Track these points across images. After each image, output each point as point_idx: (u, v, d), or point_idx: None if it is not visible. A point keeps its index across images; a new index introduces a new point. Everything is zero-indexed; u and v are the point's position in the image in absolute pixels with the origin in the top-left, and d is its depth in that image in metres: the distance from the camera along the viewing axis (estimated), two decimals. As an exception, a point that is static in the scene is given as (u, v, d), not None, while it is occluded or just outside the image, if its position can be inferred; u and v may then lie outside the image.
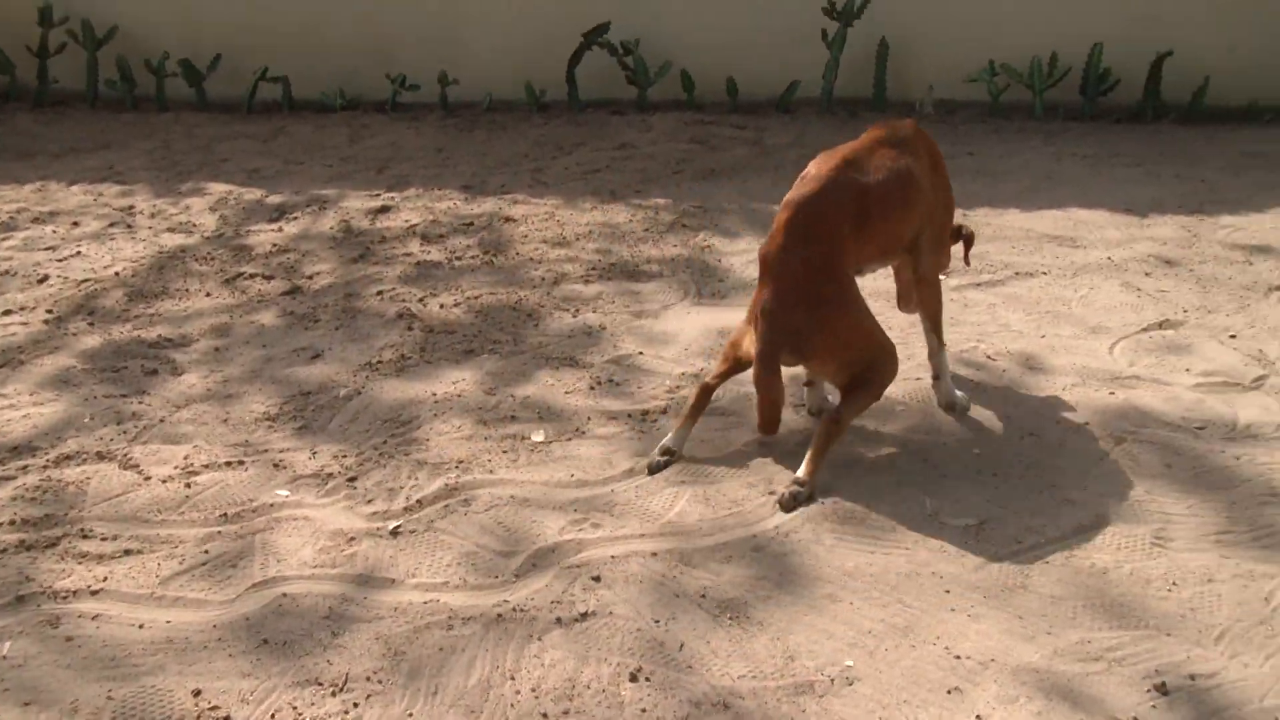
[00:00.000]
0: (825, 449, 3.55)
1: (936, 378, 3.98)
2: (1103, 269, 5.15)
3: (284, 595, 3.10)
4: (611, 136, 7.53)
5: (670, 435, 3.75)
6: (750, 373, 3.62)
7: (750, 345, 3.63)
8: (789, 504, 3.45)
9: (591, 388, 4.20)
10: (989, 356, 4.34)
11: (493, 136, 7.70)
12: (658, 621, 2.94)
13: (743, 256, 5.40)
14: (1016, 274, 5.12)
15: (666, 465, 3.68)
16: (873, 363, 3.63)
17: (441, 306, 4.97)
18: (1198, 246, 5.40)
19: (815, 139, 7.27)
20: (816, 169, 3.73)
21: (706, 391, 3.79)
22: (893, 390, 3.89)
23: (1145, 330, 4.53)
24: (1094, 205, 5.99)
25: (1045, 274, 5.12)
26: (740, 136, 7.40)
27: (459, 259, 5.55)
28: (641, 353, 4.47)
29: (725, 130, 7.55)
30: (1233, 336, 4.47)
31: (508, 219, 6.06)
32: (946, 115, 7.90)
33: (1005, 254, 5.36)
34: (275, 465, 3.75)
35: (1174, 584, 3.03)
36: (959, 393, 3.97)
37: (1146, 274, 5.08)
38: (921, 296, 3.95)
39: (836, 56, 8.00)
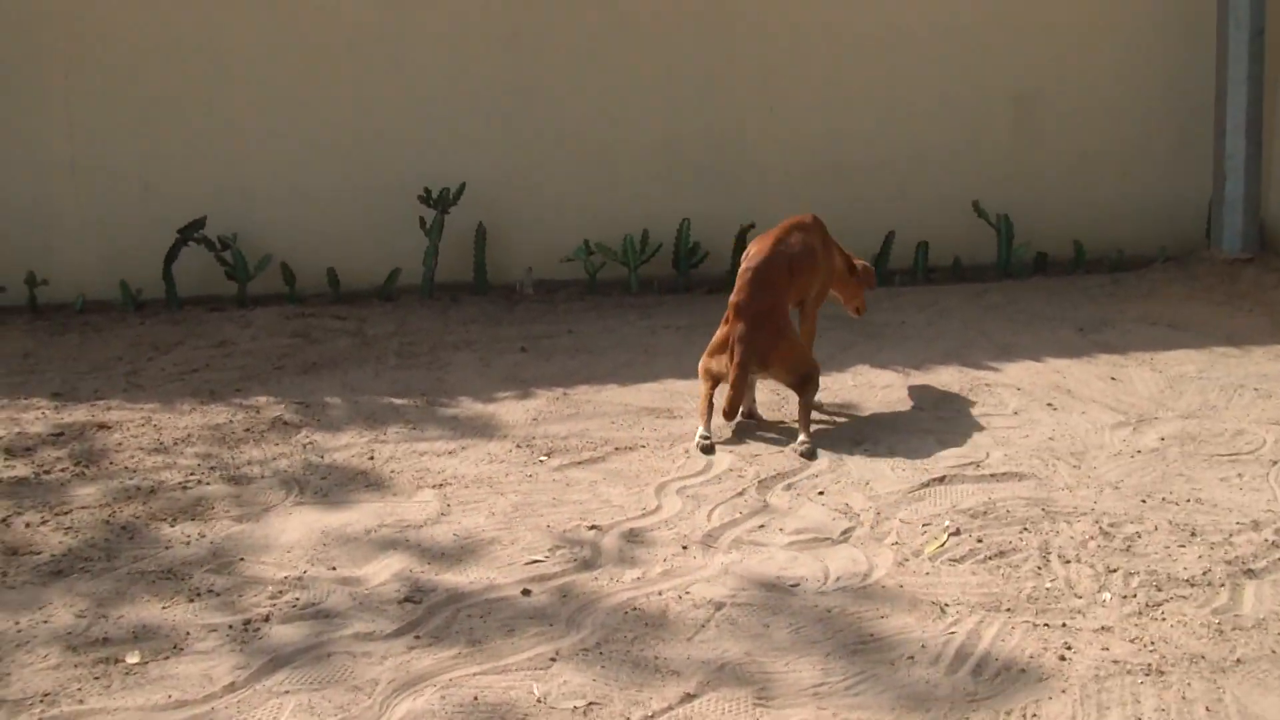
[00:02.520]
0: (809, 420, 5.31)
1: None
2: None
3: None
4: (211, 334, 7.34)
5: (701, 428, 5.32)
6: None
7: (719, 365, 5.41)
8: (810, 454, 5.15)
9: (190, 600, 4.02)
10: (592, 529, 4.41)
11: (86, 339, 7.37)
12: None
13: (346, 451, 5.33)
14: (617, 449, 5.25)
15: (712, 446, 5.24)
16: (808, 369, 5.43)
17: (28, 526, 4.67)
18: (787, 408, 5.70)
19: (417, 326, 7.32)
20: (758, 248, 5.61)
21: (709, 397, 5.41)
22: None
23: (741, 494, 4.72)
24: (690, 375, 6.20)
25: (644, 447, 5.27)
26: (342, 328, 7.37)
27: (48, 473, 5.24)
28: (243, 559, 4.32)
29: (327, 322, 7.49)
30: (821, 493, 4.71)
31: (102, 426, 5.78)
32: (547, 295, 8.11)
33: (605, 430, 5.50)
34: None
35: (776, 745, 3.12)
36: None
37: (739, 439, 5.31)
38: (804, 330, 5.82)
39: (435, 243, 8.11)
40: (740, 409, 5.38)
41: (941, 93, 8.84)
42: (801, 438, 5.24)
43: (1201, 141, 9.06)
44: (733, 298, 5.47)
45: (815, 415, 5.44)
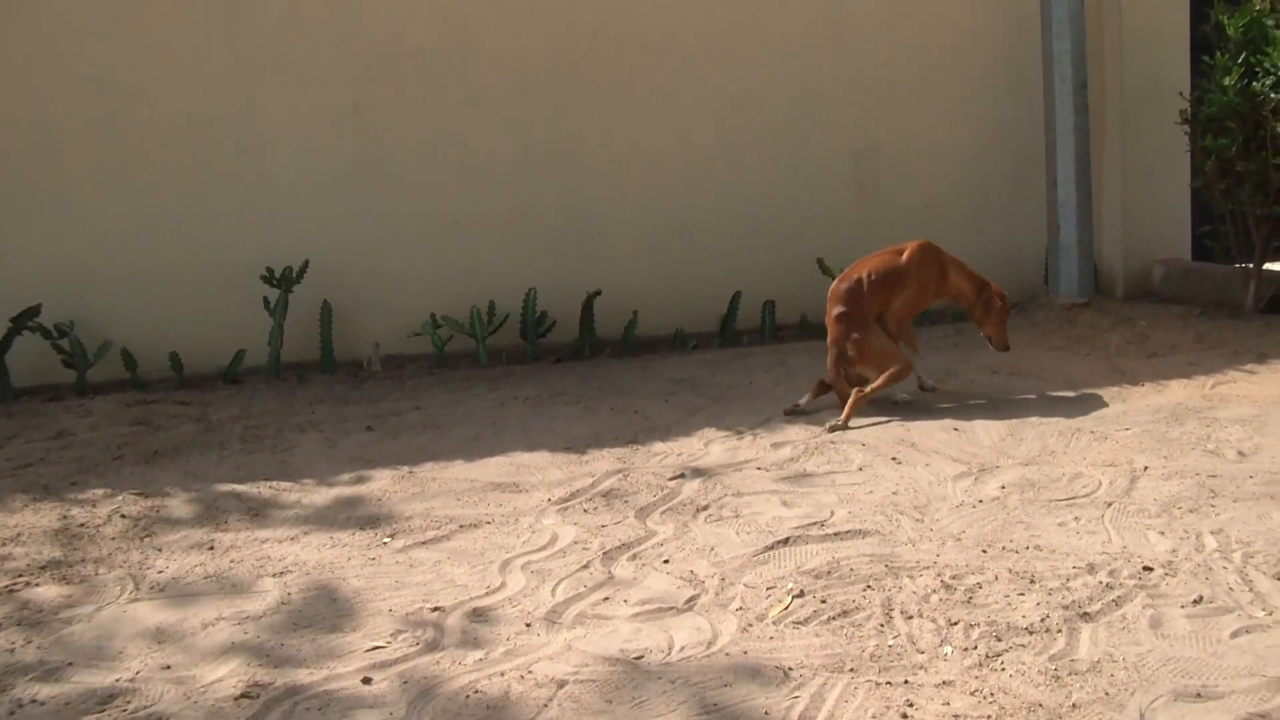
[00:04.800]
0: (854, 409, 6.43)
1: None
2: (544, 511, 5.31)
3: None
4: (47, 425, 7.13)
5: (805, 399, 6.74)
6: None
7: (829, 373, 6.69)
8: (834, 429, 6.32)
9: (11, 713, 3.86)
10: (436, 610, 4.34)
11: (-85, 439, 7.13)
12: None
13: (185, 542, 5.19)
14: (461, 527, 5.18)
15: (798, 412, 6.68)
16: (886, 367, 6.53)
17: None
18: (632, 477, 5.69)
19: (263, 408, 7.20)
20: (844, 273, 6.86)
21: (821, 386, 6.75)
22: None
23: (585, 567, 4.68)
24: (536, 448, 6.20)
25: (489, 523, 5.21)
26: (185, 413, 7.21)
27: None
28: (71, 664, 4.16)
29: (169, 408, 7.33)
30: (666, 562, 4.69)
31: (-74, 532, 5.57)
32: (395, 371, 8.04)
33: (450, 508, 5.43)
34: None
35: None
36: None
37: (585, 511, 5.28)
38: (893, 331, 6.84)
39: (280, 322, 8.00)
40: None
41: (783, 152, 9.01)
42: (841, 417, 6.43)
43: (1036, 191, 9.34)
44: (826, 316, 6.81)
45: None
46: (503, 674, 3.87)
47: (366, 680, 3.88)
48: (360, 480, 5.90)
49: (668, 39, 8.80)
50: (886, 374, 6.54)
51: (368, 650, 4.09)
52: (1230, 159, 8.62)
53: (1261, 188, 8.59)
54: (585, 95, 8.67)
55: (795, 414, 6.68)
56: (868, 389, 6.52)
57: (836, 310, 6.68)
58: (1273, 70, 8.26)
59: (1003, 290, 6.91)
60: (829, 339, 6.70)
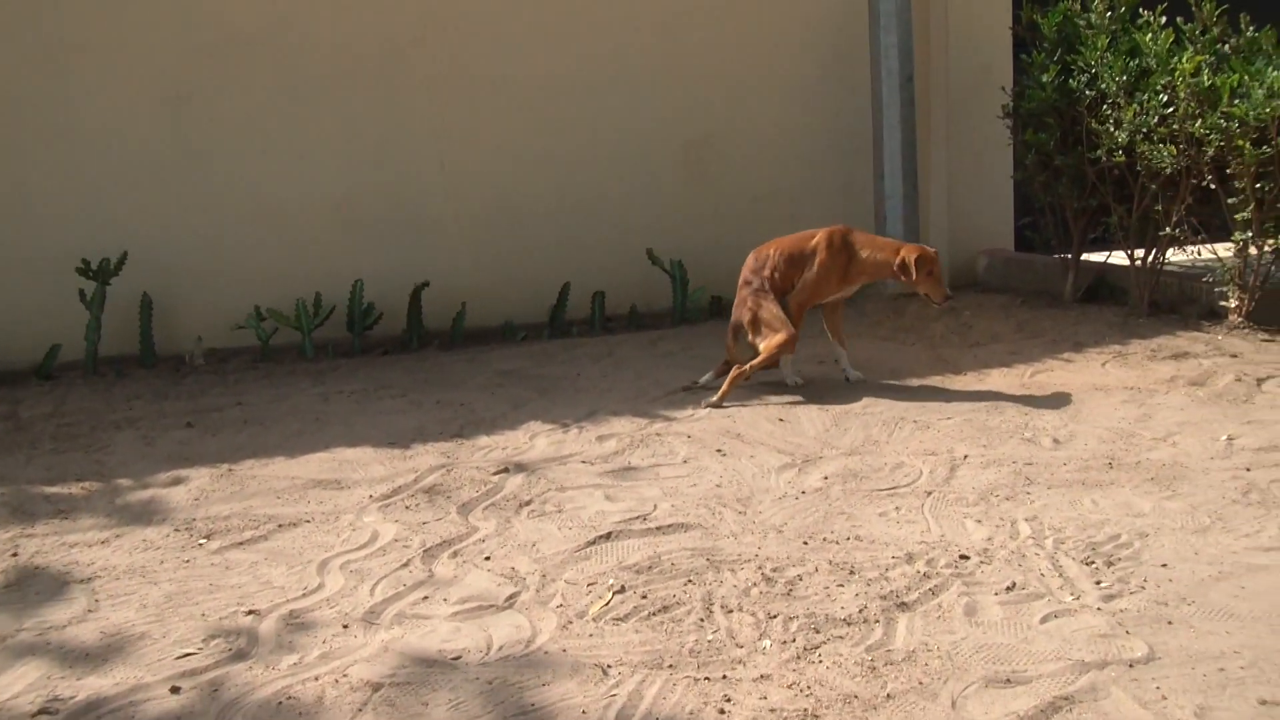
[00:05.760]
0: (731, 387, 6.65)
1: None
2: (366, 509, 5.22)
3: None
4: None
5: (708, 375, 7.03)
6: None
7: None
8: (710, 406, 6.57)
9: None
10: (250, 614, 4.23)
11: None
12: None
13: (-13, 548, 4.99)
14: (280, 526, 5.06)
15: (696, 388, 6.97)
16: (774, 336, 6.66)
17: None
18: (456, 471, 5.62)
19: (78, 405, 6.96)
20: (759, 248, 7.02)
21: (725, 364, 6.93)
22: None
23: (406, 565, 4.61)
24: (360, 443, 6.10)
25: (309, 522, 5.10)
26: (-7, 411, 6.95)
27: None
28: None
29: (-24, 406, 7.06)
30: (488, 559, 4.64)
31: None
32: (219, 364, 7.84)
33: (270, 507, 5.31)
34: None
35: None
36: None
37: (407, 507, 5.21)
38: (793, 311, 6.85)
39: (97, 316, 7.74)
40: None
41: (615, 142, 8.99)
42: (718, 396, 6.67)
43: (864, 183, 9.45)
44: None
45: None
46: (317, 678, 3.79)
47: (175, 690, 3.75)
48: (177, 479, 5.72)
49: (498, 26, 8.72)
50: (765, 350, 6.68)
51: (178, 658, 3.96)
52: (1049, 153, 8.85)
53: (1078, 181, 8.83)
54: (413, 83, 8.55)
55: (693, 390, 6.93)
56: (747, 366, 6.69)
57: (741, 280, 6.94)
58: (1087, 68, 8.48)
59: (920, 250, 6.75)
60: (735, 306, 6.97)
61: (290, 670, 3.86)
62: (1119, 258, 8.99)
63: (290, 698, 3.69)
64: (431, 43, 8.57)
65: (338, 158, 8.44)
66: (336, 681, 3.76)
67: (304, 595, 4.41)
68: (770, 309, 6.75)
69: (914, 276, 6.67)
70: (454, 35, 8.63)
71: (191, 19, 8.09)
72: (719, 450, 5.87)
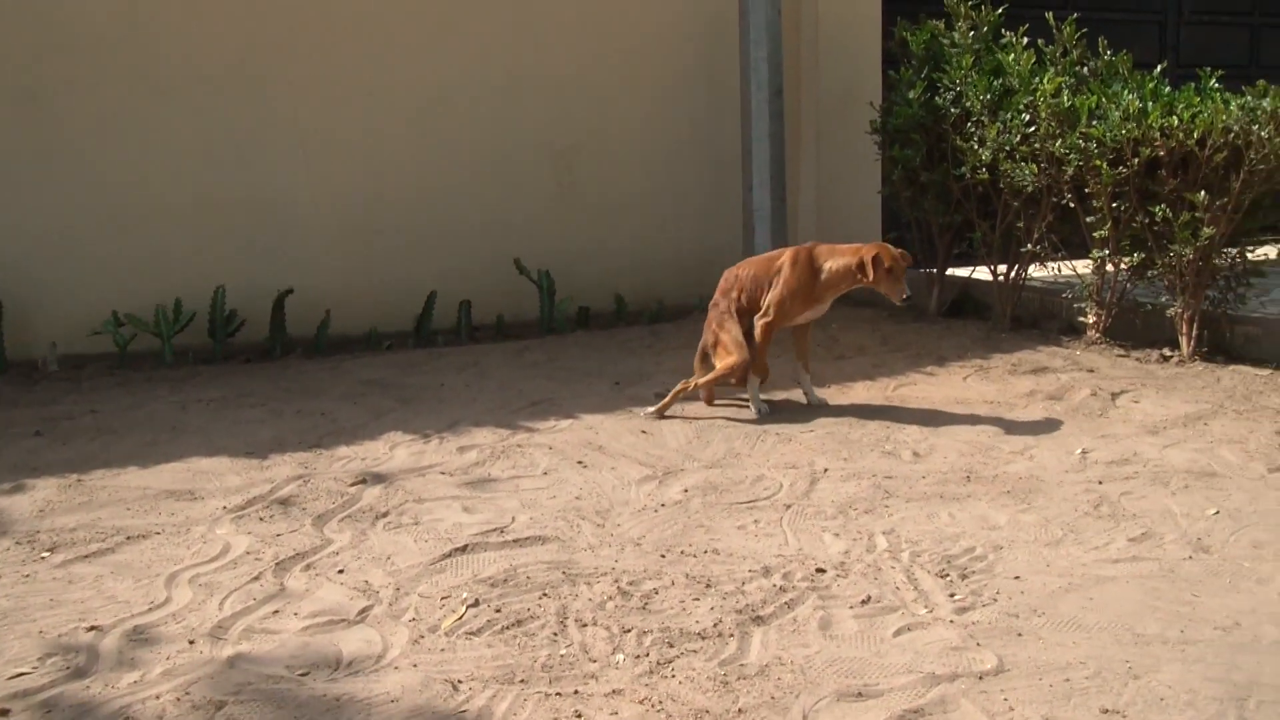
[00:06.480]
0: (673, 399, 6.68)
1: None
2: (218, 520, 5.10)
3: None
4: None
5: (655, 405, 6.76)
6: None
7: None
8: (649, 416, 6.59)
9: None
10: (92, 630, 4.11)
11: None
12: None
13: None
14: (129, 538, 4.93)
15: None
16: (726, 359, 6.61)
17: None
18: (313, 482, 5.53)
19: (-76, 412, 6.74)
20: (733, 267, 6.95)
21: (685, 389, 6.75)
22: None
23: (257, 579, 4.51)
24: (216, 453, 5.97)
25: (159, 534, 4.97)
26: None
27: None
28: None
29: None
30: (341, 571, 4.56)
31: None
32: (74, 371, 7.64)
33: (119, 518, 5.17)
34: None
35: None
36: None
37: (261, 519, 5.11)
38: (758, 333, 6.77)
39: (-56, 321, 7.51)
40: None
41: (483, 150, 8.95)
42: (655, 409, 6.69)
43: (734, 194, 9.50)
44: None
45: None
46: (158, 696, 3.69)
47: (4, 713, 3.63)
48: (20, 489, 5.55)
49: (366, 33, 8.62)
50: (715, 371, 6.68)
51: (10, 678, 3.82)
52: (915, 169, 8.98)
53: (943, 197, 8.97)
54: (276, 87, 8.42)
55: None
56: (691, 383, 6.71)
57: (711, 302, 6.92)
58: (952, 86, 8.61)
59: (880, 248, 6.59)
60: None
61: (130, 688, 3.75)
62: (983, 273, 9.15)
63: (129, 717, 3.58)
64: (297, 45, 8.45)
65: (197, 160, 8.28)
66: (178, 700, 3.66)
67: (150, 610, 4.30)
68: (731, 332, 6.68)
69: (870, 276, 6.51)
70: (320, 40, 8.51)
71: (42, 15, 7.87)
72: (580, 462, 5.85)
